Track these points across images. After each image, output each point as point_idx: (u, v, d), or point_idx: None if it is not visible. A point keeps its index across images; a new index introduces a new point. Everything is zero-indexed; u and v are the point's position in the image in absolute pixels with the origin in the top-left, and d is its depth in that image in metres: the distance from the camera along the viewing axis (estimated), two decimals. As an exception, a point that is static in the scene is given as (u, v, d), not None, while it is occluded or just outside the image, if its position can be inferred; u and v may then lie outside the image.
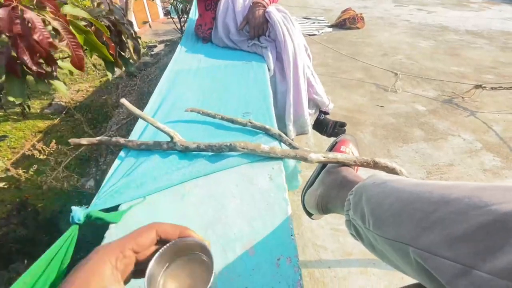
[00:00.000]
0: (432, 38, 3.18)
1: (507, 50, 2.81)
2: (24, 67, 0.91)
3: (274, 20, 1.05)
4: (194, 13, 1.67)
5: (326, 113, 1.31)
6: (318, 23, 3.82)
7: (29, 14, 0.72)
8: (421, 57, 2.63)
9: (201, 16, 1.28)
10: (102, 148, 2.41)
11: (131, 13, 4.89)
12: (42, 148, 1.24)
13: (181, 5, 2.53)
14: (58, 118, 3.27)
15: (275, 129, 0.66)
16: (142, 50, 8.08)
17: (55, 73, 1.02)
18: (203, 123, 0.72)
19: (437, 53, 2.74)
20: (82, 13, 0.93)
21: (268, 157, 0.58)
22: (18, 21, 0.71)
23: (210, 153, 0.59)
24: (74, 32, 0.86)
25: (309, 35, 3.32)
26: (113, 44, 1.18)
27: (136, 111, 0.61)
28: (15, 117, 2.43)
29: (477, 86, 1.85)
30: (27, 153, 1.38)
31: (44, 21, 0.78)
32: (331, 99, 1.86)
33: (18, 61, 0.87)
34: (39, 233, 1.18)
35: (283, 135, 0.65)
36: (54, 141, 1.40)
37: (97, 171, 2.29)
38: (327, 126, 1.27)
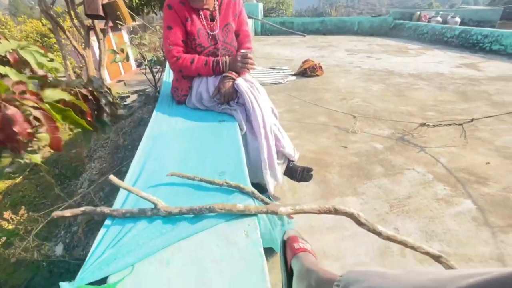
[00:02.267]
0: (382, 82, 3.66)
1: (443, 90, 3.30)
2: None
3: (241, 90, 1.21)
4: (168, 75, 1.83)
5: (293, 162, 1.45)
6: (283, 72, 4.23)
7: (11, 111, 0.79)
8: (374, 99, 2.99)
9: (178, 81, 1.42)
10: (73, 206, 2.30)
11: (104, 69, 5.04)
12: (11, 217, 1.20)
13: (154, 66, 2.72)
14: (21, 177, 3.11)
15: (248, 187, 0.75)
16: (115, 102, 8.04)
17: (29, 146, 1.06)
18: (184, 185, 0.80)
19: (387, 95, 3.14)
20: (63, 95, 1.01)
21: (243, 214, 0.66)
22: None
23: (192, 216, 0.66)
24: (53, 113, 0.94)
25: (275, 83, 3.65)
26: (90, 112, 1.26)
27: (123, 185, 0.67)
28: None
29: (422, 124, 2.14)
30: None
31: (25, 110, 0.85)
32: (299, 144, 2.03)
33: None
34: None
35: (255, 191, 0.75)
36: (23, 208, 1.36)
37: (66, 233, 2.16)
38: (296, 173, 1.39)
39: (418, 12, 8.88)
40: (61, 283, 0.53)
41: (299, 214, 0.69)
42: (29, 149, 1.03)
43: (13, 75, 1.02)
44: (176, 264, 0.56)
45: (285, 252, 0.81)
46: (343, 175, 1.72)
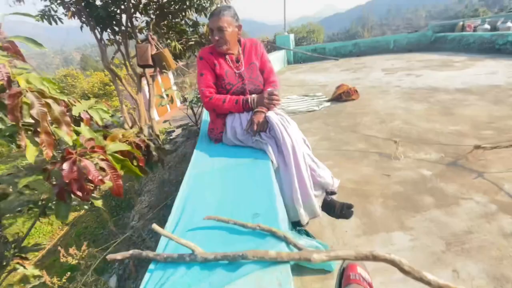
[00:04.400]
0: (425, 100, 3.43)
1: (500, 104, 2.96)
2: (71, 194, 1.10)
3: (272, 123, 1.27)
4: (206, 114, 1.98)
5: (333, 192, 1.40)
6: (317, 98, 4.24)
7: (85, 163, 0.94)
8: (417, 120, 2.81)
9: (213, 122, 1.54)
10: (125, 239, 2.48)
11: (153, 109, 5.59)
12: (75, 253, 1.36)
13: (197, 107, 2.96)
14: (84, 209, 3.46)
15: (280, 231, 0.76)
16: (162, 136, 8.78)
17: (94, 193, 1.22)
18: (220, 228, 0.83)
19: (432, 115, 2.92)
20: (123, 147, 1.17)
21: (276, 261, 0.66)
22: (75, 169, 0.92)
23: (226, 262, 0.69)
24: (114, 163, 1.08)
25: (310, 111, 3.66)
26: (142, 158, 1.41)
27: (164, 232, 0.73)
28: (49, 218, 2.63)
29: (477, 147, 1.93)
30: (52, 249, 1.48)
31: (94, 162, 1.00)
32: (337, 172, 1.97)
33: (66, 189, 1.07)
34: None
35: (288, 236, 0.75)
36: (85, 244, 1.52)
37: (119, 265, 2.32)
38: (334, 208, 1.34)
39: (461, 22, 8.33)
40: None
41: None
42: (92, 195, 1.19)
43: (86, 133, 1.22)
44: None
45: (341, 280, 0.78)
46: (387, 206, 1.60)
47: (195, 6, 4.76)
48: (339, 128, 2.85)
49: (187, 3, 4.67)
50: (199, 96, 2.87)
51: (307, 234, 1.32)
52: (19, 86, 1.07)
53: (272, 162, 1.22)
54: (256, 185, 1.04)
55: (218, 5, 4.89)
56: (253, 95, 1.40)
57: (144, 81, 5.29)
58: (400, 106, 3.33)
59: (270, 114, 1.31)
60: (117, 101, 8.79)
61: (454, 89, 3.75)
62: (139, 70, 5.05)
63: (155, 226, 0.74)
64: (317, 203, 1.29)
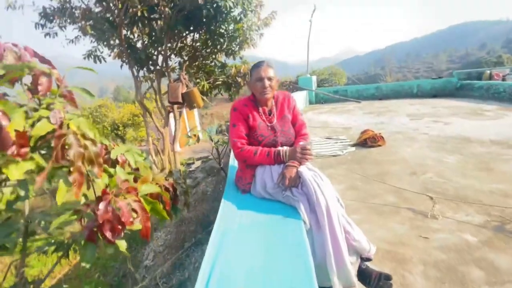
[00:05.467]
0: (458, 152, 3.26)
1: (545, 161, 2.74)
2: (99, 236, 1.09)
3: (304, 178, 1.22)
4: (232, 159, 1.97)
5: (368, 259, 1.28)
6: (341, 142, 4.17)
7: (120, 204, 0.93)
8: (452, 174, 2.63)
9: (242, 171, 1.51)
10: None
11: (177, 142, 5.76)
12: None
13: (221, 146, 3.00)
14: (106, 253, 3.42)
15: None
16: (182, 168, 8.90)
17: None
18: (250, 306, 0.75)
19: (468, 169, 2.74)
20: (154, 189, 1.17)
21: None
22: (110, 209, 0.92)
23: None
24: (145, 205, 1.07)
25: (334, 155, 3.58)
26: (169, 201, 1.39)
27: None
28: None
29: (527, 211, 1.74)
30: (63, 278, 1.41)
31: (128, 203, 1.00)
32: (368, 229, 1.83)
33: (97, 231, 1.05)
34: None
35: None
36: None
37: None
38: (370, 278, 1.21)
39: (488, 71, 8.25)
40: None
41: None
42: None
43: (121, 174, 1.25)
44: None
45: None
46: (428, 277, 1.42)
47: (225, 50, 5.11)
48: (366, 177, 2.73)
49: (218, 47, 5.02)
50: (225, 138, 2.91)
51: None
52: (68, 128, 1.13)
53: (304, 222, 1.15)
54: (289, 252, 0.96)
55: (246, 49, 5.22)
56: (285, 148, 1.39)
57: (171, 116, 5.55)
58: (431, 157, 3.18)
59: (303, 169, 1.27)
60: (144, 131, 9.25)
61: (489, 141, 3.56)
62: (167, 104, 5.33)
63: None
64: (353, 271, 1.17)
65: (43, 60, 1.09)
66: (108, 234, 0.98)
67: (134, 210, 1.06)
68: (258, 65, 1.47)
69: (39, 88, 1.03)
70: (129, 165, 1.52)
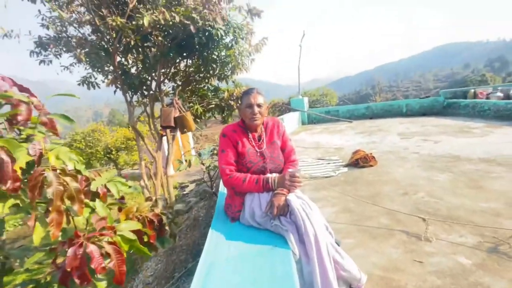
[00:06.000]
0: (448, 170, 3.29)
1: (532, 178, 2.78)
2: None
3: (293, 207, 1.21)
4: (222, 186, 1.95)
5: (359, 288, 1.24)
6: (333, 163, 4.20)
7: (91, 248, 0.89)
8: (443, 193, 2.64)
9: (231, 198, 1.50)
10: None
11: (170, 166, 5.70)
12: None
13: (213, 171, 2.99)
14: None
15: None
16: (175, 192, 8.73)
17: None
18: None
19: (458, 187, 2.76)
20: (135, 226, 1.13)
21: None
22: (80, 255, 0.88)
23: None
24: (122, 245, 1.03)
25: (326, 177, 3.58)
26: (153, 234, 1.35)
27: None
28: None
29: (519, 232, 1.73)
30: None
31: (101, 246, 0.96)
32: (362, 255, 1.79)
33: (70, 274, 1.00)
34: None
35: None
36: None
37: None
38: (363, 309, 1.17)
39: (472, 90, 8.58)
40: None
41: None
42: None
43: (100, 210, 1.20)
44: None
45: None
46: (425, 305, 1.38)
47: (218, 74, 5.24)
48: (359, 199, 2.72)
49: (211, 72, 5.15)
50: (216, 163, 2.90)
51: None
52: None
53: (293, 253, 1.12)
54: (278, 284, 0.93)
55: (238, 74, 5.36)
56: (274, 175, 1.39)
57: (164, 139, 5.55)
58: (422, 176, 3.20)
59: (291, 198, 1.26)
60: (137, 155, 9.19)
61: (478, 159, 3.62)
62: (160, 128, 5.34)
63: None
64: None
65: (22, 88, 1.10)
66: (78, 282, 0.93)
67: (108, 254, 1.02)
68: (248, 92, 1.50)
69: (19, 118, 1.03)
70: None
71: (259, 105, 1.46)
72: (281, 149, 1.56)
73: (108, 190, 1.46)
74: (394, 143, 5.16)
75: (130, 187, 1.54)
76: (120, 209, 1.45)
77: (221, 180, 2.22)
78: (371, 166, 3.75)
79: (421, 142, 5.03)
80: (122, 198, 1.53)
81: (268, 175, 1.41)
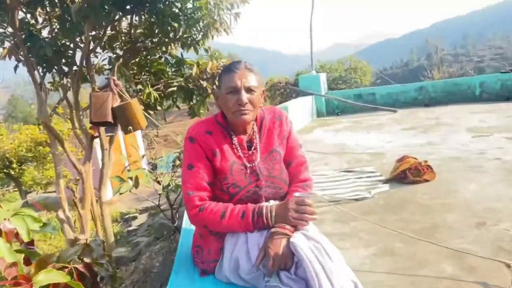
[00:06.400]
0: (548, 186, 3.36)
1: None
2: None
3: (301, 254, 1.19)
4: (187, 222, 1.94)
5: None
6: (367, 177, 4.23)
7: None
8: (540, 224, 2.69)
9: (203, 238, 1.47)
10: None
11: (106, 187, 5.68)
12: None
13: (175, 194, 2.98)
14: None
15: None
16: (115, 229, 8.72)
17: None
18: None
19: None
20: (60, 279, 1.16)
21: None
22: None
23: None
24: None
25: (357, 199, 3.61)
26: (86, 292, 1.35)
27: None
28: None
29: None
30: None
31: None
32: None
33: None
34: None
35: None
36: None
37: None
38: None
39: None
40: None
41: None
42: None
43: (7, 255, 1.21)
44: None
45: None
46: None
47: (182, 39, 5.20)
48: (408, 234, 2.73)
49: (171, 35, 5.11)
50: (180, 180, 2.89)
51: None
52: None
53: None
54: None
55: (215, 38, 5.37)
56: (271, 204, 1.37)
57: (97, 143, 5.49)
58: (507, 195, 3.25)
59: (298, 240, 1.24)
60: (53, 170, 9.05)
61: None
62: (90, 126, 5.29)
63: None
64: None
65: None
66: None
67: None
68: (231, 68, 1.42)
69: None
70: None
71: (249, 90, 1.38)
72: (285, 161, 1.54)
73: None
74: (462, 145, 5.24)
75: (45, 224, 1.54)
76: (27, 260, 1.45)
77: (185, 213, 2.20)
78: (427, 181, 3.80)
79: (504, 142, 5.12)
80: (31, 243, 1.52)
81: (263, 204, 1.39)
